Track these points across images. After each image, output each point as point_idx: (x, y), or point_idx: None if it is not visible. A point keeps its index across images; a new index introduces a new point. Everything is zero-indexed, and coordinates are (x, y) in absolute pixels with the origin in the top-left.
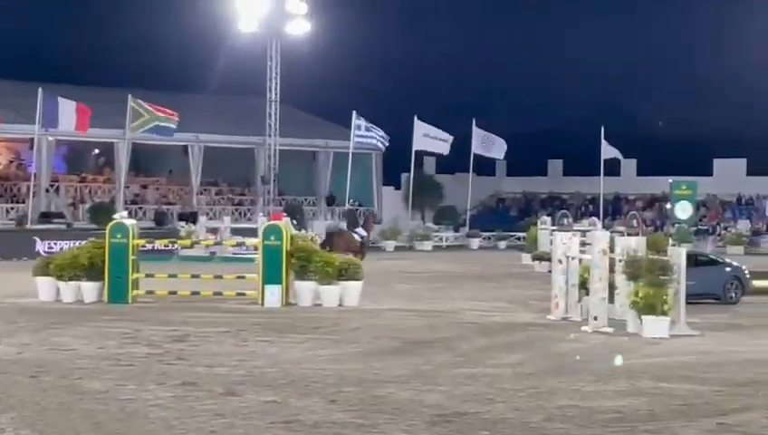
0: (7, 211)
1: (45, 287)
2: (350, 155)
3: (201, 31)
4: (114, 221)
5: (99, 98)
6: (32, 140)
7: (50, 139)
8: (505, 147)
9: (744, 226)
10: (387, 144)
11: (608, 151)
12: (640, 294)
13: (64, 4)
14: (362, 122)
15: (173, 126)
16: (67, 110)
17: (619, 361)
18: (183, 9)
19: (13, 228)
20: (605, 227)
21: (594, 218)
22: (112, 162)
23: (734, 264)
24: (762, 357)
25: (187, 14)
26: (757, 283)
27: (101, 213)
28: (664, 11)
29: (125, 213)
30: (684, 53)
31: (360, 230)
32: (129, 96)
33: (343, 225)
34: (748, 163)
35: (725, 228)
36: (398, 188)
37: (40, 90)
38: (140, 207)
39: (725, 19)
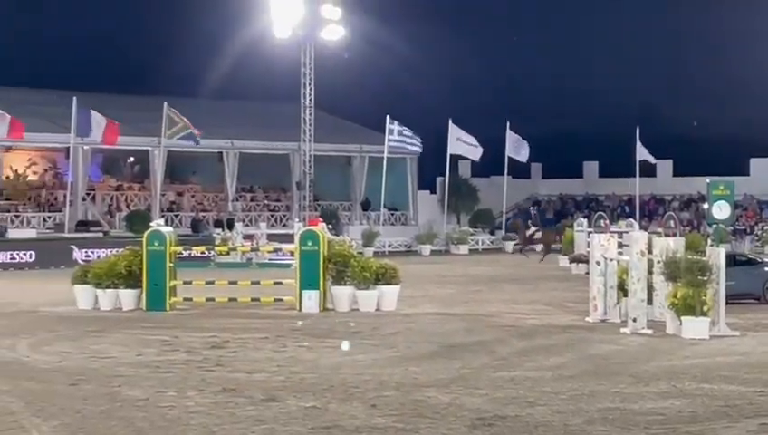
0: (45, 220)
1: (84, 296)
2: (385, 159)
3: (236, 37)
4: (151, 229)
5: (134, 106)
6: (68, 149)
7: (85, 147)
8: (528, 150)
9: None
10: (420, 148)
11: (643, 153)
12: (679, 295)
13: (99, 13)
14: (396, 126)
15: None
16: (98, 121)
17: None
18: (218, 16)
19: (51, 237)
20: (642, 228)
21: (631, 220)
22: (147, 170)
23: None
24: None
25: (223, 20)
26: None
27: (138, 221)
28: (697, 10)
29: (161, 220)
30: (717, 51)
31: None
32: (165, 104)
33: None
34: None
35: (763, 228)
36: (433, 192)
37: (75, 99)
38: (176, 215)
39: (759, 16)
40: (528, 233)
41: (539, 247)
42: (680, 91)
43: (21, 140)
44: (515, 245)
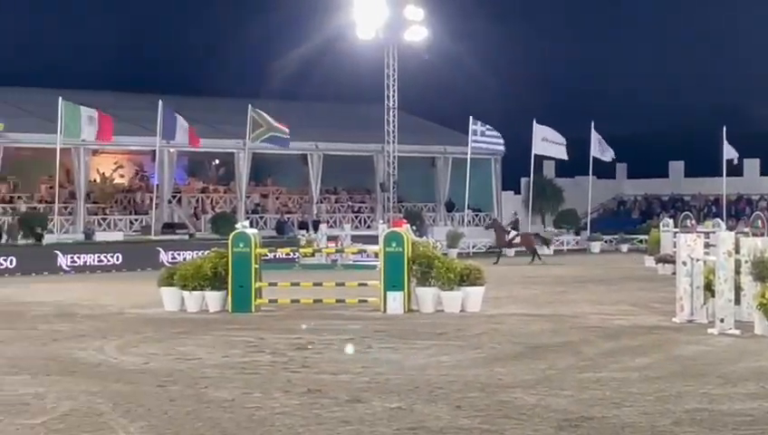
0: (131, 223)
1: (170, 297)
2: (469, 160)
3: (319, 39)
4: (236, 231)
5: (218, 108)
6: (153, 151)
7: (171, 150)
8: (612, 153)
9: None
10: (504, 148)
11: (729, 152)
12: (767, 296)
13: (185, 19)
14: (479, 127)
15: (287, 137)
16: (182, 125)
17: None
18: (300, 19)
19: (137, 239)
20: (729, 228)
21: (718, 220)
22: (233, 172)
23: None
24: None
25: (305, 23)
26: None
27: (223, 223)
28: None
29: (246, 222)
30: None
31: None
32: (249, 106)
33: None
34: None
35: None
36: (517, 192)
37: (160, 102)
38: (261, 217)
39: None
40: (508, 238)
41: (513, 252)
42: (766, 90)
43: (108, 143)
44: (491, 248)
